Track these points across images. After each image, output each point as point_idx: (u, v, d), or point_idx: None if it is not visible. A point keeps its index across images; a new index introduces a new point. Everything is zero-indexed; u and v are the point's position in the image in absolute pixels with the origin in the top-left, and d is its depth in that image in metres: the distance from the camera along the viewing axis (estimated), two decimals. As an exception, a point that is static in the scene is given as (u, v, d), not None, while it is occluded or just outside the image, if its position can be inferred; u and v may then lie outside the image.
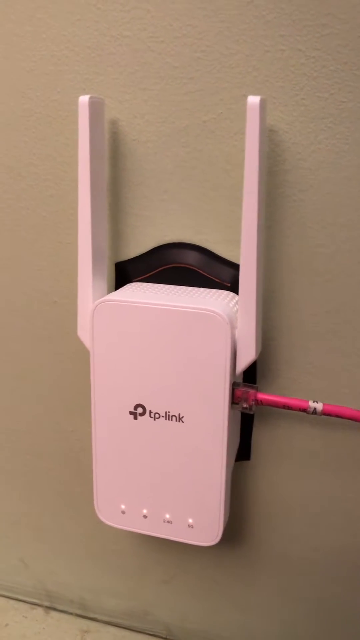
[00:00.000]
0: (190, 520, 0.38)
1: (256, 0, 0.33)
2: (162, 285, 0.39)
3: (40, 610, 0.52)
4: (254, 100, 0.30)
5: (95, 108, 0.35)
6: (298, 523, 0.43)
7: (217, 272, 0.38)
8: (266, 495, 0.43)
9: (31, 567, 0.53)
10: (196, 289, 0.38)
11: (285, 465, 0.42)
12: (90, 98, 0.34)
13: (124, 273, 0.41)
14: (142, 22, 0.35)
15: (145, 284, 0.39)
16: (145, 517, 0.39)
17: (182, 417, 0.36)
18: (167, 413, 0.36)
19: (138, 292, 0.37)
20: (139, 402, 0.36)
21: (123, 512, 0.39)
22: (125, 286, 0.39)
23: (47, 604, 0.53)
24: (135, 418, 0.37)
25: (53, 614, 0.52)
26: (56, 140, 0.39)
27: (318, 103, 0.34)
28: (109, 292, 0.41)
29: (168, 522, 0.38)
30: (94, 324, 0.36)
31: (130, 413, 0.37)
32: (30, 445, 0.48)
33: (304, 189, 0.35)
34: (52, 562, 0.52)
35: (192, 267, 0.39)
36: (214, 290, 0.38)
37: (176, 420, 0.36)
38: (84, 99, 0.34)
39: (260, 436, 0.42)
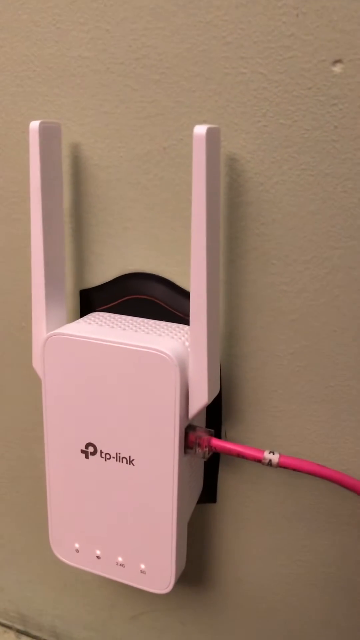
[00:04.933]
0: (142, 566, 0.36)
1: (215, 20, 0.30)
2: (123, 316, 0.37)
3: (11, 634, 0.51)
4: (200, 130, 0.28)
5: (48, 133, 0.33)
6: (263, 571, 0.40)
7: (179, 306, 0.36)
8: (231, 540, 0.41)
9: (5, 590, 0.52)
10: (157, 322, 0.36)
11: (251, 510, 0.39)
12: (42, 123, 0.32)
13: (88, 301, 0.39)
14: (101, 42, 0.33)
15: (106, 315, 0.37)
16: (98, 557, 0.37)
17: (133, 459, 0.34)
18: (118, 454, 0.34)
19: (93, 326, 0.35)
20: (89, 441, 0.35)
21: (77, 551, 0.38)
22: (85, 316, 0.37)
23: (19, 627, 0.52)
24: (87, 457, 0.35)
25: (24, 639, 0.51)
26: (20, 163, 0.38)
27: (281, 131, 0.31)
28: (72, 320, 0.39)
29: (120, 565, 0.37)
30: (45, 357, 0.34)
31: (82, 451, 0.35)
32: (4, 470, 0.47)
33: (267, 223, 0.33)
34: (27, 587, 0.51)
35: (154, 300, 0.37)
36: (175, 325, 0.36)
37: (127, 463, 0.34)
38: (34, 125, 0.32)
39: (227, 479, 0.39)
